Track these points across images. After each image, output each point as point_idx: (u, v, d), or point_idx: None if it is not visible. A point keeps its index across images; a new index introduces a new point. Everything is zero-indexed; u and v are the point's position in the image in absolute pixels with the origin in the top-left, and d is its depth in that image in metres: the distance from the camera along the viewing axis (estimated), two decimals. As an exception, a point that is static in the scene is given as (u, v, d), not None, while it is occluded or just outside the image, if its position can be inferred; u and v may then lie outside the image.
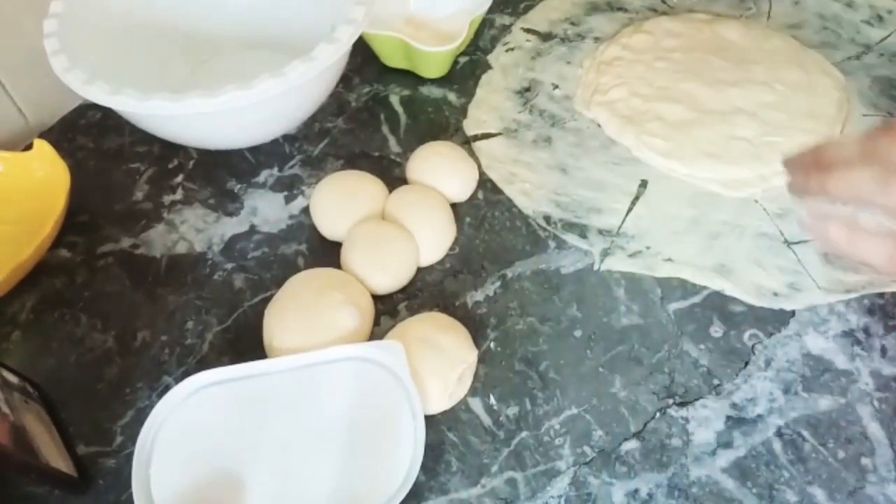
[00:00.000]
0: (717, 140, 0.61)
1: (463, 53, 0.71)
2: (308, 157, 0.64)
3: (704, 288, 0.54)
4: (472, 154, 0.62)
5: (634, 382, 0.49)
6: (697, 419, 0.48)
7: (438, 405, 0.48)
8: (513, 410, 0.48)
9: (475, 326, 0.52)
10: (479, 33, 0.72)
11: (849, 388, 0.49)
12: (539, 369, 0.50)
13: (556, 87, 0.68)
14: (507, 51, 0.71)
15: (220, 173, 0.63)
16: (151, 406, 0.46)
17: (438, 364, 0.47)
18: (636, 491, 0.45)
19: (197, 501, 0.43)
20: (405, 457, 0.44)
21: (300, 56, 0.52)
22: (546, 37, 0.73)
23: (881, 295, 0.53)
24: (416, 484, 0.43)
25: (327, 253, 0.57)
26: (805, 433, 0.47)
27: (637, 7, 0.75)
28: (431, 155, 0.60)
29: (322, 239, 0.58)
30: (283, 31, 0.66)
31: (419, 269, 0.56)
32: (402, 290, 0.55)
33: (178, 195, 0.62)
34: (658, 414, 0.48)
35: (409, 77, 0.69)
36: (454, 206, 0.59)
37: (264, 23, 0.68)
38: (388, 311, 0.54)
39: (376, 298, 0.54)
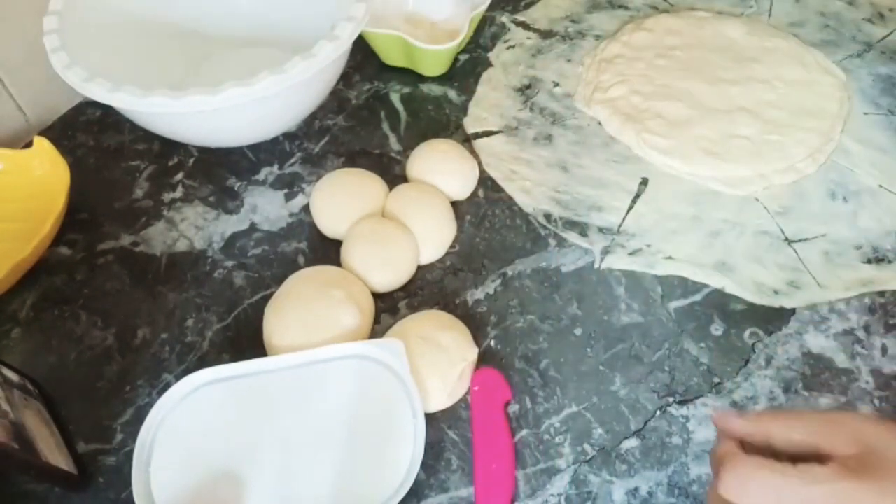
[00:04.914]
0: (718, 138, 0.61)
1: (463, 51, 0.71)
2: (308, 154, 0.64)
3: (705, 286, 0.54)
4: (473, 152, 0.62)
5: (635, 381, 0.49)
6: (698, 417, 0.48)
7: (439, 403, 0.48)
8: (513, 408, 0.48)
9: (475, 324, 0.52)
10: (479, 31, 0.72)
11: (849, 387, 0.49)
12: (539, 367, 0.50)
13: (556, 84, 0.68)
14: (507, 48, 0.71)
15: (220, 171, 0.63)
16: (151, 404, 0.46)
17: (439, 362, 0.47)
18: (636, 489, 0.45)
19: (197, 499, 0.43)
20: (405, 455, 0.44)
21: (300, 53, 0.52)
22: (547, 34, 0.72)
23: (882, 293, 0.53)
24: (416, 482, 0.43)
25: (327, 251, 0.57)
26: (805, 431, 0.47)
27: (638, 5, 0.75)
28: (432, 153, 0.60)
29: (322, 237, 0.58)
30: (283, 28, 0.66)
31: (419, 267, 0.56)
32: (403, 288, 0.55)
33: (178, 193, 0.62)
34: (658, 412, 0.48)
35: (409, 74, 0.69)
36: (454, 203, 0.59)
37: (265, 20, 0.68)
38: (388, 308, 0.54)
39: (376, 296, 0.54)
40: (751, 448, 0.35)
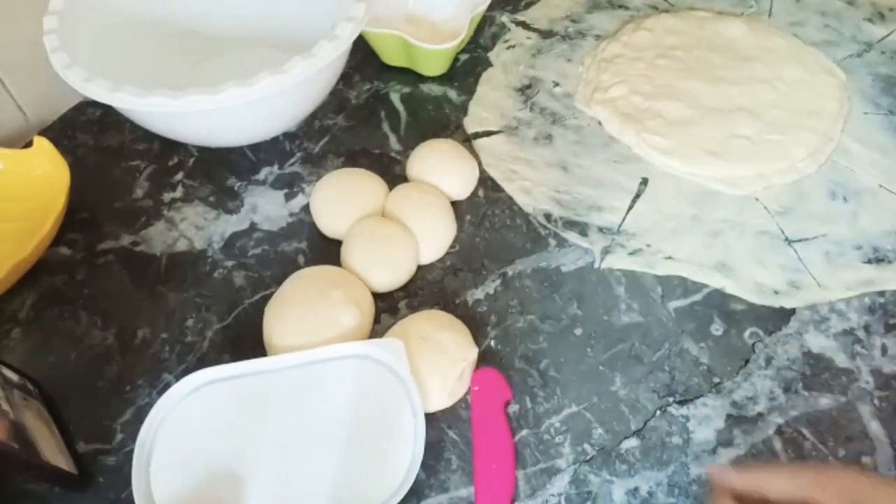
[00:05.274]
0: (718, 138, 0.61)
1: (463, 51, 0.71)
2: (308, 154, 0.64)
3: (705, 286, 0.54)
4: (473, 152, 0.62)
5: (635, 380, 0.49)
6: (698, 417, 0.48)
7: (439, 403, 0.48)
8: (513, 408, 0.48)
9: (475, 324, 0.52)
10: (479, 31, 0.72)
11: (849, 387, 0.49)
12: (539, 367, 0.50)
13: (556, 84, 0.68)
14: (507, 48, 0.71)
15: (220, 171, 0.63)
16: (151, 404, 0.46)
17: (439, 362, 0.47)
18: (636, 489, 0.45)
19: (197, 499, 0.43)
20: (405, 455, 0.44)
21: (300, 53, 0.52)
22: (547, 34, 0.72)
23: (882, 293, 0.53)
24: (416, 482, 0.43)
25: (327, 251, 0.57)
26: (805, 431, 0.47)
27: (638, 4, 0.75)
28: (432, 152, 0.60)
29: (322, 237, 0.58)
30: (283, 28, 0.66)
31: (419, 267, 0.56)
32: (403, 287, 0.55)
33: (179, 193, 0.62)
34: (658, 412, 0.48)
35: (409, 74, 0.69)
36: (454, 203, 0.59)
37: (265, 20, 0.68)
38: (388, 308, 0.54)
39: (376, 296, 0.54)
40: (747, 501, 0.36)
